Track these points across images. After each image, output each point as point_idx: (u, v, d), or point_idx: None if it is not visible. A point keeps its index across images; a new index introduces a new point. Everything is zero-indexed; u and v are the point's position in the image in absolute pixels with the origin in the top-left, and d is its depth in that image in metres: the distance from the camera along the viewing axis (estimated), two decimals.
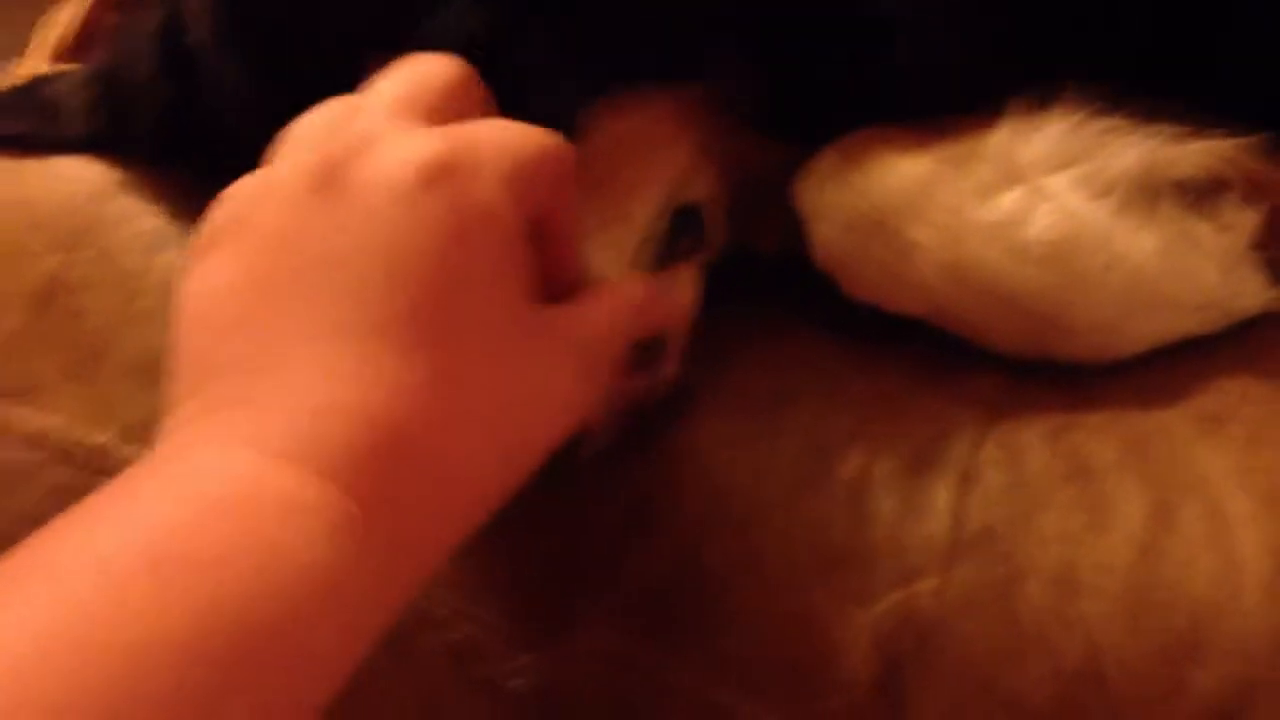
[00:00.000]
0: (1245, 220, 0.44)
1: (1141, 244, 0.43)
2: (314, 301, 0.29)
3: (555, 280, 0.36)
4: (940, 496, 0.41)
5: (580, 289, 0.37)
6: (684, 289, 0.45)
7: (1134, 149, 0.43)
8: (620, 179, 0.43)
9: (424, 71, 0.35)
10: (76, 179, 0.50)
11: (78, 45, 0.77)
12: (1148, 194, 0.43)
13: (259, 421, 0.27)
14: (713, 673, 0.39)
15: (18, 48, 0.67)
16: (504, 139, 0.33)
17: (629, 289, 0.40)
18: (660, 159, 0.44)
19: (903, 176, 0.43)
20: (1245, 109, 0.44)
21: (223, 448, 0.27)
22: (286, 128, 0.34)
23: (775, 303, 0.47)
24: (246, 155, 0.35)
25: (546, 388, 0.33)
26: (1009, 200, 0.43)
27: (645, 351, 0.43)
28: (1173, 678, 0.37)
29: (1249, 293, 0.44)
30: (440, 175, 0.31)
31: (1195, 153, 0.43)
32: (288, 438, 0.27)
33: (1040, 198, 0.43)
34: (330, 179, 0.31)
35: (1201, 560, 0.39)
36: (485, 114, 0.35)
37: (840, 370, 0.45)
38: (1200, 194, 0.44)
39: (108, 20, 0.82)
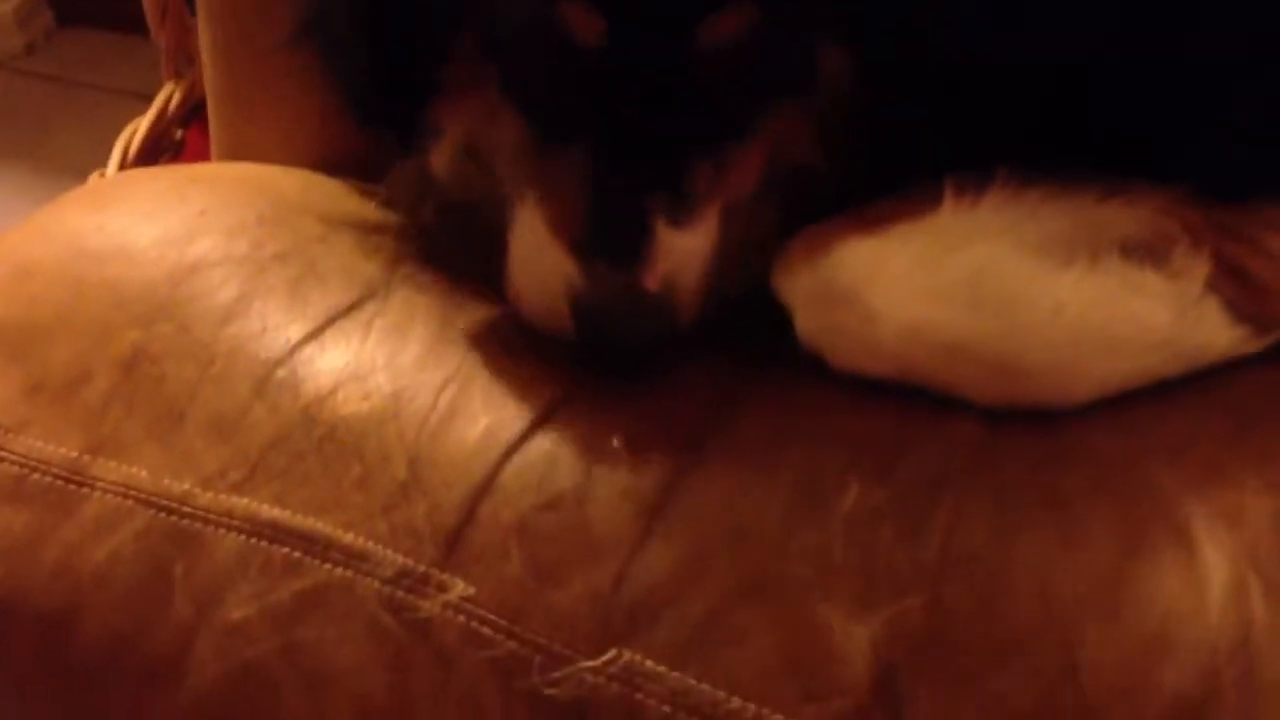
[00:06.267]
0: (1196, 265, 0.48)
1: (1085, 291, 0.47)
2: None
3: None
4: (930, 524, 0.45)
5: None
6: (700, 234, 0.50)
7: (1066, 212, 0.48)
8: None
9: None
10: (156, 261, 0.56)
11: (144, 152, 0.85)
12: (1088, 249, 0.48)
13: None
14: (726, 683, 0.43)
15: (102, 156, 0.75)
16: None
17: None
18: None
19: (861, 253, 0.49)
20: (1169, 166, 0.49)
21: None
22: None
23: (780, 350, 0.52)
24: None
25: None
26: (954, 263, 0.48)
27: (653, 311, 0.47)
28: (1144, 675, 0.41)
29: (1207, 330, 0.48)
30: None
31: (1125, 208, 0.48)
32: None
33: (982, 259, 0.48)
34: None
35: (1169, 570, 0.43)
36: None
37: (834, 413, 0.49)
38: (1148, 246, 0.48)
39: (171, 133, 0.90)
